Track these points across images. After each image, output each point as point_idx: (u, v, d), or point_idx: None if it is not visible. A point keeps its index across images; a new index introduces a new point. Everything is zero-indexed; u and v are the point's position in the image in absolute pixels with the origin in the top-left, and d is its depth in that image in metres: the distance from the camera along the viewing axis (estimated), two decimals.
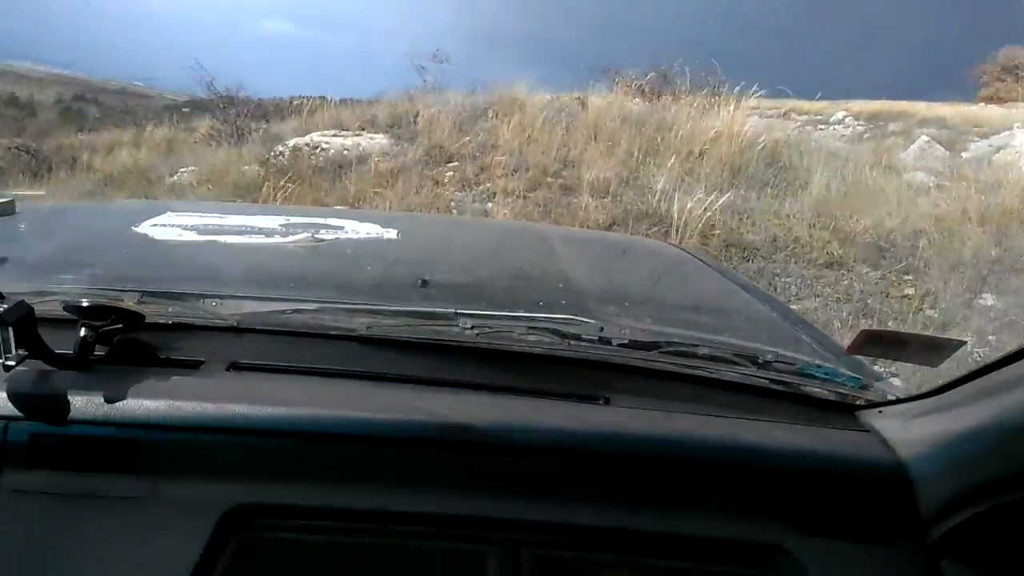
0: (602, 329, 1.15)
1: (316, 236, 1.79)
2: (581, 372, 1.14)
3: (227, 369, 1.07)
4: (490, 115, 9.45)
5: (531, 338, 1.15)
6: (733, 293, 1.83)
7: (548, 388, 1.09)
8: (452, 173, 8.28)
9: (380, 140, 9.30)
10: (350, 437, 0.97)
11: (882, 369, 2.52)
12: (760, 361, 1.15)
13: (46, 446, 0.94)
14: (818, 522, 0.98)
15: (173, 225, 1.81)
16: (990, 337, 4.92)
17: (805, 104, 13.13)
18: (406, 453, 0.97)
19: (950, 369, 1.11)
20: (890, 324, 5.10)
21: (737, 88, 9.58)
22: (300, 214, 2.12)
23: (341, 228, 1.89)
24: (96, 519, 0.90)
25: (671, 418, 1.04)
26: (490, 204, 7.45)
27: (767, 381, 1.14)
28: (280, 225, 1.85)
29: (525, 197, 7.48)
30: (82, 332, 1.00)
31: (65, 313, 1.02)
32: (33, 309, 0.92)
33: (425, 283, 1.44)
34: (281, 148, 9.08)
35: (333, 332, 1.16)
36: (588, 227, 6.50)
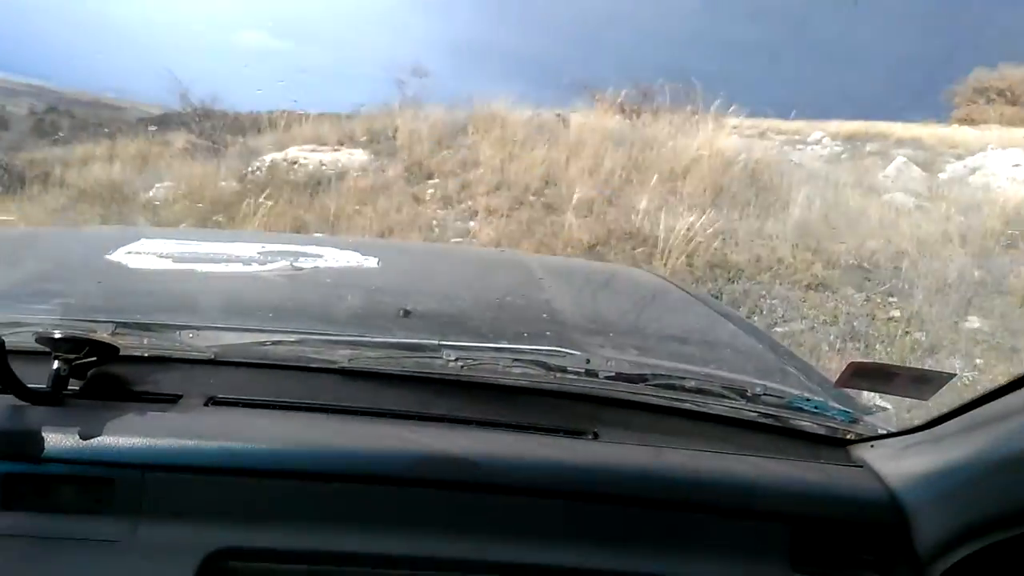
0: (588, 361, 1.12)
1: (295, 264, 1.74)
2: (568, 406, 1.12)
3: (205, 404, 1.04)
4: (470, 131, 9.44)
5: (517, 370, 1.12)
6: (717, 323, 1.82)
7: (536, 422, 1.07)
8: (433, 190, 8.22)
9: (359, 156, 9.22)
10: (333, 476, 0.95)
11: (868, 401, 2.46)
12: (749, 394, 1.13)
13: (19, 486, 0.91)
14: (814, 560, 0.96)
15: (147, 252, 1.75)
16: (978, 360, 4.92)
17: (782, 124, 13.24)
18: (391, 491, 0.95)
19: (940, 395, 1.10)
20: (878, 347, 5.10)
21: (713, 106, 9.66)
22: (278, 241, 2.07)
23: (320, 256, 1.84)
24: (75, 564, 0.87)
25: (662, 453, 1.01)
26: (472, 223, 7.39)
27: (756, 415, 1.12)
28: (258, 253, 1.79)
29: (508, 216, 7.45)
30: (55, 365, 0.96)
31: (37, 345, 0.98)
32: (3, 341, 0.88)
33: (407, 313, 1.40)
34: (258, 163, 8.96)
35: (314, 365, 1.13)
36: (572, 247, 6.48)
